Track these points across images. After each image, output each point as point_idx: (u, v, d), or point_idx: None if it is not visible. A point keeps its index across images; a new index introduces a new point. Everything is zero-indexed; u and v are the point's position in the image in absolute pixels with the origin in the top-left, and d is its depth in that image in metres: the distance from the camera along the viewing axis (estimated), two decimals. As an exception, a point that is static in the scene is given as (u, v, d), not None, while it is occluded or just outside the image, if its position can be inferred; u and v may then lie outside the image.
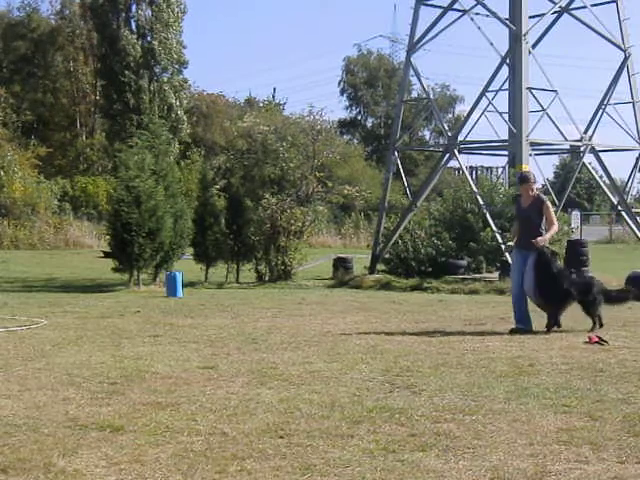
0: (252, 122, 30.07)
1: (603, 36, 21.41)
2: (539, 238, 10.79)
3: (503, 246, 11.19)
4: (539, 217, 10.99)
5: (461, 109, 63.93)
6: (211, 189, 21.38)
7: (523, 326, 10.79)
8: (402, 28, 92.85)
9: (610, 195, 23.07)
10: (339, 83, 66.98)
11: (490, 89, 21.39)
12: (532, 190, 11.14)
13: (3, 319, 11.81)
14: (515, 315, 11.03)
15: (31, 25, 50.52)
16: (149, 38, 46.28)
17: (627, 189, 22.88)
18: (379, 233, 22.87)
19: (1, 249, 33.22)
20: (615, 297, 11.34)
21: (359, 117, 67.78)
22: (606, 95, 21.69)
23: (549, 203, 11.23)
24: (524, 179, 11.26)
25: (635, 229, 21.70)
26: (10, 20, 51.67)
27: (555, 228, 11.38)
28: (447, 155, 21.76)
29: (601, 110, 21.59)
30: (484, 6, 21.06)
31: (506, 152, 23.38)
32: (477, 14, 21.38)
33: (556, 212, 20.69)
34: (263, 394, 6.63)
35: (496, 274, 20.14)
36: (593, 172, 25.29)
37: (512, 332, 10.64)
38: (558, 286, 10.72)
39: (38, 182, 38.59)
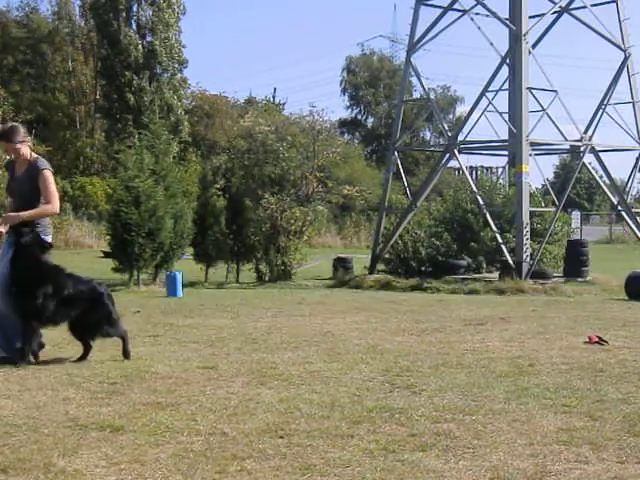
0: (253, 121, 30.08)
1: (603, 36, 21.42)
2: (11, 214, 7.67)
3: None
4: (34, 191, 7.72)
5: (461, 109, 64.02)
6: (211, 189, 21.39)
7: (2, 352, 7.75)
8: (402, 28, 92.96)
9: (610, 195, 23.08)
10: (340, 83, 67.04)
11: (490, 89, 21.43)
12: (18, 151, 7.72)
13: (3, 319, 11.79)
14: None
15: (31, 25, 50.54)
16: (150, 38, 46.36)
17: (627, 189, 22.89)
18: (379, 233, 22.88)
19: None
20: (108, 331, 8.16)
21: (359, 117, 67.76)
22: (606, 95, 21.70)
23: (49, 172, 7.80)
24: (5, 135, 7.76)
25: (635, 229, 21.70)
26: (9, 19, 51.69)
27: (51, 208, 7.76)
28: (447, 155, 21.77)
29: (601, 110, 21.60)
30: (484, 6, 21.08)
31: (506, 152, 23.42)
32: (477, 14, 21.41)
33: (556, 212, 20.76)
34: (263, 394, 6.63)
35: (496, 274, 20.18)
36: (593, 172, 25.31)
37: None
38: (36, 289, 7.67)
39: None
